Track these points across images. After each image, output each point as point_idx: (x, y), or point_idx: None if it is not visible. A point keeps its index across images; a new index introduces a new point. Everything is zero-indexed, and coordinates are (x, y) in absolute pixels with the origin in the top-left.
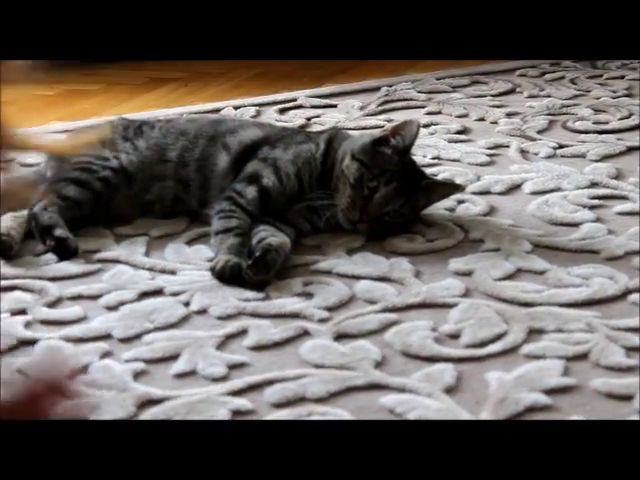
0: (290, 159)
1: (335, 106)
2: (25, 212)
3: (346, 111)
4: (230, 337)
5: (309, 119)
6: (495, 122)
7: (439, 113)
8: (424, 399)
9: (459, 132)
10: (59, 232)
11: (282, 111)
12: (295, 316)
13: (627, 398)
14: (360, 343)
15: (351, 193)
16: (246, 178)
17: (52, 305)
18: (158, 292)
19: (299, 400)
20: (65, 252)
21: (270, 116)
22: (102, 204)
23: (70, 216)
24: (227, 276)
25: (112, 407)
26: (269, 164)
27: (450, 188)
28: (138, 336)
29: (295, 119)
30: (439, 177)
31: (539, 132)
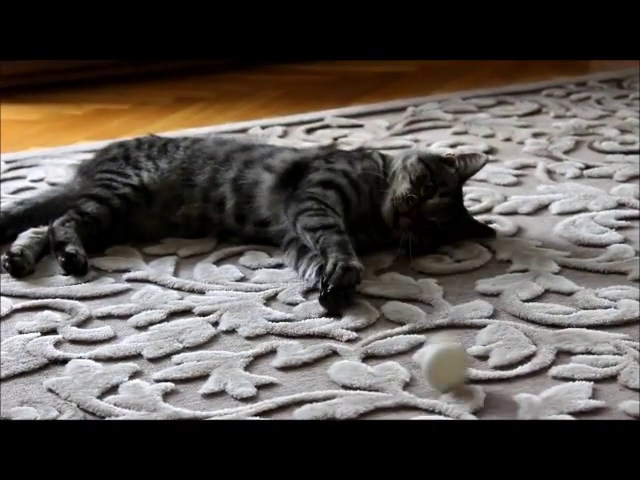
0: (361, 175)
1: (362, 126)
2: (47, 228)
3: (373, 131)
4: (259, 357)
5: (336, 139)
6: (522, 142)
7: (465, 133)
8: (453, 420)
9: (486, 152)
10: (69, 248)
11: (309, 131)
12: (323, 336)
13: None
14: (389, 364)
15: (409, 187)
16: (319, 183)
17: (82, 324)
18: (187, 312)
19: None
20: (73, 268)
21: (297, 136)
22: (120, 221)
23: (88, 231)
24: (345, 283)
25: None
26: (341, 175)
27: (485, 231)
28: (168, 356)
29: (322, 139)
30: (465, 197)
31: (566, 152)
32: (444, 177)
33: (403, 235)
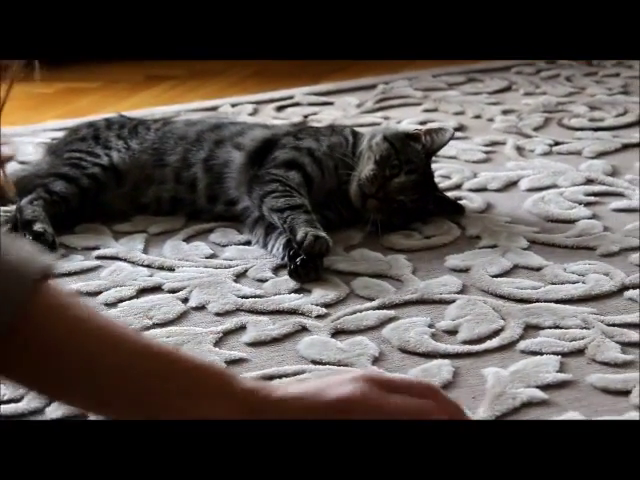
0: (327, 152)
1: (332, 103)
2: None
3: (343, 108)
4: (228, 333)
5: (306, 116)
6: (491, 119)
7: (435, 110)
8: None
9: (455, 129)
10: (37, 226)
11: (279, 109)
12: (293, 312)
13: (623, 393)
14: (358, 339)
15: (374, 168)
16: (282, 164)
17: None
18: (157, 289)
19: None
20: (41, 246)
21: (268, 114)
22: (89, 200)
23: (56, 211)
24: (317, 250)
25: None
26: (305, 154)
27: (455, 208)
28: None
29: (292, 117)
30: (435, 174)
31: (535, 129)
32: (409, 154)
33: (372, 215)
